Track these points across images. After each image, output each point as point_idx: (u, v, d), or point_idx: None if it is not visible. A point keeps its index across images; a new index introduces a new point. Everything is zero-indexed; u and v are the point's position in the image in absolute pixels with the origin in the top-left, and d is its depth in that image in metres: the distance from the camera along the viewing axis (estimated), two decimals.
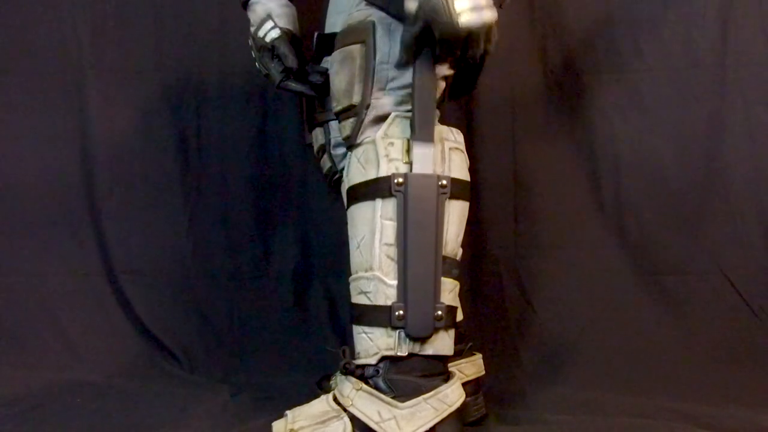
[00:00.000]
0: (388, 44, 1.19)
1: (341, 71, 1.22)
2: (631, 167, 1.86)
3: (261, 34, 1.42)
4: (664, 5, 1.85)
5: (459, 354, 1.35)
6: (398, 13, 1.16)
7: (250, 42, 1.47)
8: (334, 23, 1.44)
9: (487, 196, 1.89)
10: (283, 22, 1.43)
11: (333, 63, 1.25)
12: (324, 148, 1.47)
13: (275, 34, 1.41)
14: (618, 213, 1.86)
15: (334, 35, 1.40)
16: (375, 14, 1.19)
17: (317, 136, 1.48)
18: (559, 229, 1.88)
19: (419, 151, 1.14)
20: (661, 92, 1.85)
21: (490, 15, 1.10)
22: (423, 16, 1.10)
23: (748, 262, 1.79)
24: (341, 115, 1.23)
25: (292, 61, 1.39)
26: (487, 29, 1.11)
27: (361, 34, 1.20)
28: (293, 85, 1.41)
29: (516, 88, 1.91)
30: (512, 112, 1.91)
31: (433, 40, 1.12)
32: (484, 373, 1.42)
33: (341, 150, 1.43)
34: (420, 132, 1.15)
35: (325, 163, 1.48)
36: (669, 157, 1.85)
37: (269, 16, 1.42)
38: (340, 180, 1.47)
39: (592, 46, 1.87)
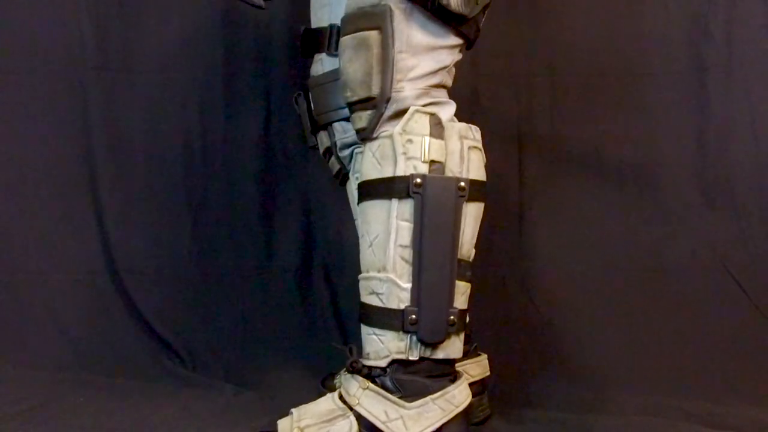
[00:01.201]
0: (406, 31, 1.12)
1: (356, 59, 1.13)
2: (636, 167, 1.86)
3: None
4: (667, 6, 1.85)
5: (465, 355, 1.34)
6: None
7: None
8: (320, 18, 1.40)
9: (492, 196, 1.87)
10: None
11: (345, 48, 1.16)
12: (330, 150, 1.43)
13: None
14: (622, 212, 1.86)
15: (321, 30, 1.35)
16: None
17: (322, 139, 1.44)
18: (563, 230, 1.88)
19: None
20: (666, 94, 1.86)
21: None
22: None
23: (752, 260, 1.79)
24: (356, 106, 1.16)
25: None
26: None
27: (377, 19, 1.12)
28: None
29: (521, 91, 1.91)
30: (517, 114, 1.91)
31: None
32: (489, 373, 1.41)
33: (348, 151, 1.41)
34: None
35: (334, 165, 1.44)
36: (673, 157, 1.86)
37: None
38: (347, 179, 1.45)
39: (597, 49, 1.87)
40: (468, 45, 1.23)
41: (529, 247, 1.90)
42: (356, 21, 1.16)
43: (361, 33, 1.14)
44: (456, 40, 1.18)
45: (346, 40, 1.16)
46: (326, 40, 1.38)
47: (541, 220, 1.89)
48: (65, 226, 1.88)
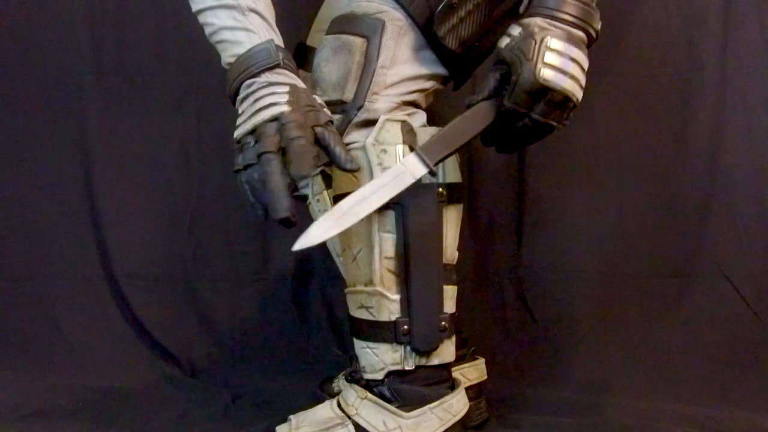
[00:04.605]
0: (393, 48, 1.13)
1: (334, 60, 1.13)
2: (634, 171, 1.86)
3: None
4: (666, 8, 1.84)
5: (462, 359, 1.35)
6: (417, 15, 1.11)
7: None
8: (313, 39, 1.38)
9: (491, 203, 1.89)
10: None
11: (324, 47, 1.16)
12: None
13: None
14: (620, 216, 1.86)
15: (309, 49, 1.34)
16: (388, 12, 1.13)
17: None
18: (561, 235, 1.88)
19: (409, 161, 1.04)
20: (664, 96, 1.85)
21: (571, 85, 1.05)
22: (509, 55, 1.05)
23: (749, 264, 1.78)
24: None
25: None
26: (564, 99, 1.06)
27: (367, 28, 1.12)
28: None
29: None
30: None
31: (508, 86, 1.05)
32: (486, 377, 1.42)
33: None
34: (426, 151, 1.05)
35: None
36: (671, 160, 1.85)
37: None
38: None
39: (595, 51, 1.87)
40: (455, 85, 1.24)
41: (527, 252, 1.89)
42: (344, 23, 1.16)
43: (345, 36, 1.14)
44: (443, 71, 1.18)
45: (327, 39, 1.16)
46: (311, 58, 1.37)
47: (540, 228, 1.89)
48: (62, 231, 1.87)
